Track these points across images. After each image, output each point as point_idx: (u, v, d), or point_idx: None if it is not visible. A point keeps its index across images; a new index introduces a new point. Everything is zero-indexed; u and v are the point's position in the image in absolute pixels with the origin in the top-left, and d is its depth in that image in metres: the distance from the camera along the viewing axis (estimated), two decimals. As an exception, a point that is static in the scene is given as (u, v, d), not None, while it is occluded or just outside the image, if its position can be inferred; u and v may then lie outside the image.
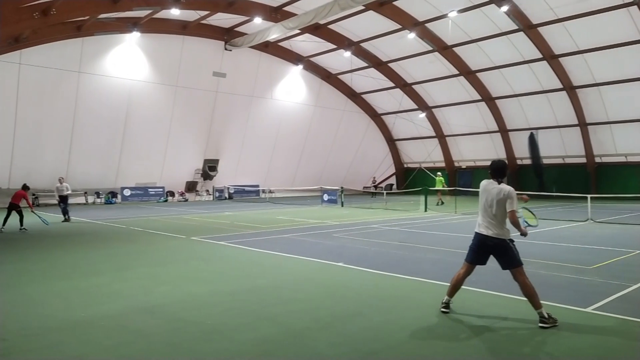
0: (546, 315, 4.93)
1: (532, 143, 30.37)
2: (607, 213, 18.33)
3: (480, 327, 5.00)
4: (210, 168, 30.64)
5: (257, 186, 32.79)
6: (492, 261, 5.43)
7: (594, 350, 4.33)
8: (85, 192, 26.24)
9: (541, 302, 5.03)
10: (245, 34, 28.46)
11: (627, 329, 4.86)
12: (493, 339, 4.63)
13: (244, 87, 31.06)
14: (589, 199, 16.71)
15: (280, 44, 31.40)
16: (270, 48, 31.38)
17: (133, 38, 26.04)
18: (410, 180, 38.68)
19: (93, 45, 24.91)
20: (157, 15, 25.01)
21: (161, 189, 28.99)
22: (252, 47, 29.40)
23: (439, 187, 24.88)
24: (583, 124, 28.86)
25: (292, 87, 33.80)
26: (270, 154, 33.67)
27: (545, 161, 30.75)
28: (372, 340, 4.58)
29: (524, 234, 5.26)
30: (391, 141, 39.73)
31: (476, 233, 5.41)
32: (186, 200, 29.33)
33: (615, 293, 6.23)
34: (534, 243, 10.67)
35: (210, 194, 30.87)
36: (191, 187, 30.78)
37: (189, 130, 29.56)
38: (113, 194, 27.05)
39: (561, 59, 26.80)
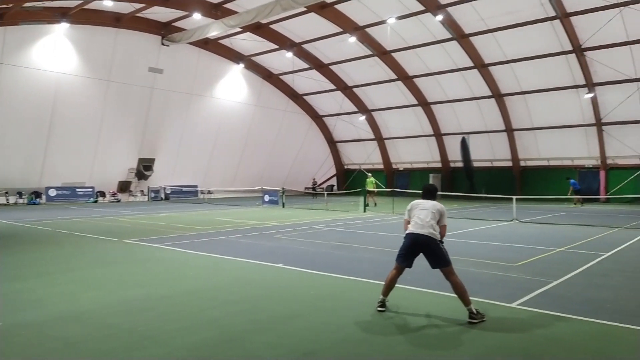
0: (475, 312, 5.19)
1: (464, 147, 31.95)
2: (531, 213, 19.62)
3: (414, 324, 5.17)
4: (145, 167, 29.45)
5: (196, 186, 31.96)
6: (423, 260, 5.63)
7: (518, 343, 4.60)
8: (6, 192, 24.27)
9: (470, 298, 5.29)
10: (184, 29, 27.68)
11: (548, 322, 5.21)
12: (426, 335, 4.81)
13: (183, 84, 30.18)
14: (514, 200, 17.81)
15: (220, 41, 30.84)
16: (210, 45, 30.74)
17: (61, 29, 24.50)
18: (350, 182, 39.36)
19: (17, 35, 23.18)
20: (89, 6, 23.72)
21: (91, 189, 27.46)
22: (191, 43, 28.67)
23: (370, 188, 24.77)
24: (510, 130, 30.73)
25: (233, 86, 33.29)
26: (210, 153, 32.93)
27: (475, 164, 32.44)
28: (310, 340, 4.60)
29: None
30: (332, 143, 40.21)
31: (408, 234, 5.67)
32: (118, 200, 27.98)
33: (537, 289, 6.66)
34: (464, 242, 11.21)
35: (145, 195, 29.67)
36: (124, 187, 29.43)
37: (123, 127, 28.25)
38: (37, 194, 25.28)
39: (491, 68, 28.40)
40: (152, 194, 29.63)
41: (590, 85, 26.24)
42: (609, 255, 9.52)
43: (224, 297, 6.20)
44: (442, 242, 5.56)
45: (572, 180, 25.44)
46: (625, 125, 26.98)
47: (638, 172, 27.22)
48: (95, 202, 27.01)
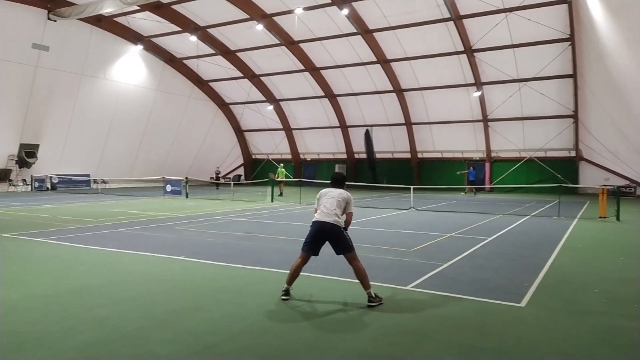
0: (374, 295, 5.44)
1: (367, 139, 33.21)
2: (426, 202, 21.00)
3: (317, 310, 5.26)
4: (27, 154, 26.57)
5: (88, 176, 29.57)
6: (329, 248, 5.76)
7: (412, 322, 4.89)
8: None
9: (370, 283, 5.52)
10: (74, 4, 25.28)
11: (438, 302, 5.61)
12: (328, 321, 4.92)
13: (72, 63, 27.59)
14: (411, 190, 18.93)
15: (116, 19, 28.65)
16: (104, 23, 28.43)
17: None
18: (258, 171, 39.05)
19: None
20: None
21: (-39, 178, 24.18)
22: (81, 19, 26.26)
23: (280, 177, 25.31)
24: (409, 123, 32.53)
25: (130, 68, 31.16)
26: (104, 140, 30.60)
27: (378, 156, 33.91)
28: (210, 333, 4.48)
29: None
30: (239, 131, 39.49)
31: (313, 221, 5.76)
32: (-4, 191, 24.99)
33: (430, 272, 7.15)
34: (367, 229, 11.68)
35: (28, 184, 26.80)
36: (3, 176, 26.32)
37: (1, 109, 25.17)
38: None
39: (392, 64, 29.74)
40: (37, 184, 26.87)
41: (478, 84, 28.63)
42: (491, 239, 10.50)
43: (117, 294, 5.80)
44: (346, 230, 5.73)
45: (471, 170, 27.53)
46: (507, 122, 29.88)
47: (518, 164, 30.37)
48: (-34, 192, 23.86)
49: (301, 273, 5.80)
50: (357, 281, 5.60)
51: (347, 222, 5.78)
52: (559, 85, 27.30)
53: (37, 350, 4.03)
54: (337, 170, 34.19)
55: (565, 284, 6.62)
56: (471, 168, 28.03)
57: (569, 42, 24.79)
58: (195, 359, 3.91)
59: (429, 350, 4.20)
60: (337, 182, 6.02)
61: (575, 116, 27.56)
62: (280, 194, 24.02)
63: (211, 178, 35.21)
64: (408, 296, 5.90)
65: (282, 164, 27.80)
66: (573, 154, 28.86)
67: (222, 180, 33.59)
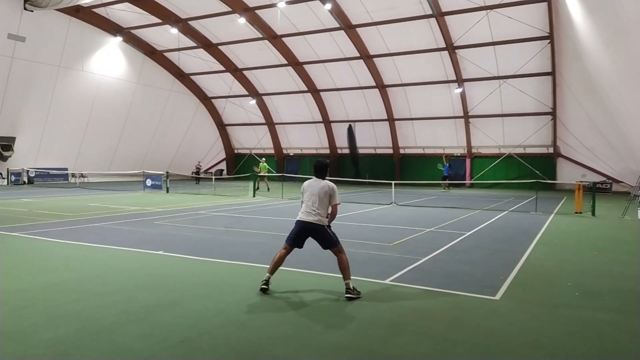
0: (352, 288, 5.49)
1: (350, 134, 33.26)
2: (407, 197, 21.16)
3: (295, 304, 5.27)
4: (3, 147, 25.97)
5: (66, 169, 29.02)
6: (311, 242, 5.78)
7: (387, 315, 4.94)
8: None
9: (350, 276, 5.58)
10: (51, -7, 24.64)
11: (414, 295, 5.68)
12: (306, 314, 4.93)
13: (49, 55, 26.98)
14: (393, 185, 19.05)
15: (94, 10, 28.10)
16: (83, 14, 27.85)
17: None
18: (240, 166, 38.82)
19: None
20: None
21: None
22: (59, 9, 25.66)
23: (263, 172, 25.08)
24: (391, 119, 32.68)
25: (110, 60, 30.60)
26: (82, 133, 30.04)
27: (360, 151, 34.00)
28: (187, 327, 4.45)
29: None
30: (221, 126, 39.17)
31: (297, 220, 5.80)
32: (-31, 185, 24.36)
33: (408, 266, 7.21)
34: (348, 224, 11.72)
35: (4, 178, 26.20)
36: (-23, 169, 25.70)
37: (-26, 100, 24.55)
38: None
39: (375, 59, 29.79)
40: (13, 178, 26.28)
41: (460, 80, 28.88)
42: (470, 234, 10.64)
43: (92, 289, 5.72)
44: (330, 226, 5.77)
45: (445, 166, 28.06)
46: (487, 119, 30.25)
47: (497, 160, 30.80)
48: (-62, 186, 23.21)
49: (281, 267, 5.81)
50: (337, 275, 5.65)
51: (333, 215, 5.80)
52: (538, 82, 27.72)
53: (7, 345, 3.95)
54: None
55: (539, 277, 6.75)
56: (447, 164, 28.48)
57: (548, 40, 25.17)
58: (170, 353, 3.88)
59: (402, 341, 4.24)
60: (319, 171, 5.90)
61: (553, 113, 28.05)
62: (268, 189, 23.93)
63: (193, 173, 34.89)
64: (385, 290, 5.95)
65: (264, 159, 27.65)
66: (551, 150, 29.38)
67: (202, 175, 33.28)
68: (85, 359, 3.72)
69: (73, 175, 28.74)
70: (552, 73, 26.61)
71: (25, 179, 26.81)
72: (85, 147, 30.35)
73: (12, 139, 26.45)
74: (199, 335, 4.29)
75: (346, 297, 5.42)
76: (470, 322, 4.78)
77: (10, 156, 26.29)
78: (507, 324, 4.72)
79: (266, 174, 25.50)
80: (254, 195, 20.54)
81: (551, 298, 5.71)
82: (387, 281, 6.31)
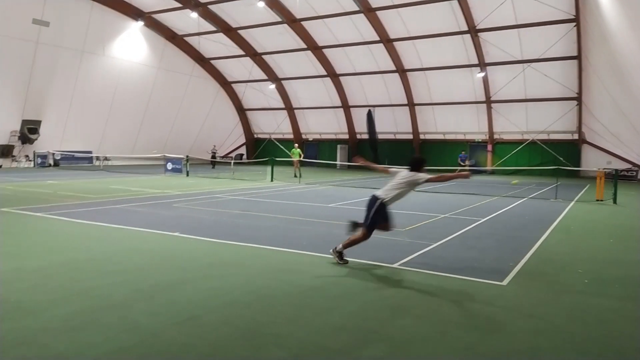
0: (339, 252, 6.27)
1: (370, 119, 33.03)
2: (425, 183, 20.95)
3: (302, 286, 5.37)
4: (30, 130, 26.72)
5: (90, 152, 29.74)
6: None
7: (391, 298, 5.00)
8: None
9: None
10: (74, -22, 25.01)
11: (421, 279, 5.71)
12: (311, 296, 5.02)
13: (72, 39, 27.48)
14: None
15: (117, -5, 28.39)
16: (105, -2, 28.20)
17: None
18: (260, 151, 39.08)
19: None
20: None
21: (-36, 154, 24.39)
22: (82, -5, 26.03)
23: (296, 158, 24.19)
24: (411, 104, 32.32)
25: (131, 44, 30.99)
26: (106, 117, 30.65)
27: (379, 136, 33.78)
28: (195, 306, 4.60)
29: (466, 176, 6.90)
30: (241, 111, 39.39)
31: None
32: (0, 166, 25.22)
33: (418, 251, 7.24)
34: (362, 209, 11.72)
35: (30, 160, 27.04)
36: (6, 151, 26.52)
37: (2, 85, 25.20)
38: None
39: (395, 43, 29.39)
40: (39, 160, 27.08)
41: (482, 65, 28.30)
42: (484, 220, 10.57)
43: (108, 268, 5.93)
44: (385, 205, 6.55)
45: (462, 154, 27.84)
46: (510, 104, 29.63)
47: (520, 147, 30.22)
48: (-31, 168, 24.10)
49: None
50: (344, 262, 6.20)
51: (442, 178, 6.88)
52: (564, 66, 26.96)
53: (24, 319, 4.16)
54: (338, 151, 34.46)
55: (550, 264, 6.70)
56: (462, 152, 28.09)
57: (574, 23, 24.38)
58: (176, 329, 4.03)
59: (404, 324, 4.30)
60: (414, 164, 6.63)
61: (579, 98, 27.30)
62: (296, 175, 22.89)
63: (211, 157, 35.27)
64: (393, 273, 6.00)
65: (296, 144, 27.20)
66: (576, 136, 28.68)
67: (218, 159, 33.54)
68: (96, 334, 3.90)
69: (97, 158, 29.43)
70: (577, 57, 25.84)
71: (52, 162, 27.59)
72: (108, 130, 30.99)
73: (38, 122, 27.19)
74: (205, 313, 4.43)
75: (331, 251, 6.31)
76: (474, 306, 4.81)
77: (36, 139, 27.07)
78: (510, 309, 4.72)
79: (299, 159, 24.87)
80: (271, 180, 20.71)
81: (559, 285, 5.67)
82: (396, 265, 6.36)
